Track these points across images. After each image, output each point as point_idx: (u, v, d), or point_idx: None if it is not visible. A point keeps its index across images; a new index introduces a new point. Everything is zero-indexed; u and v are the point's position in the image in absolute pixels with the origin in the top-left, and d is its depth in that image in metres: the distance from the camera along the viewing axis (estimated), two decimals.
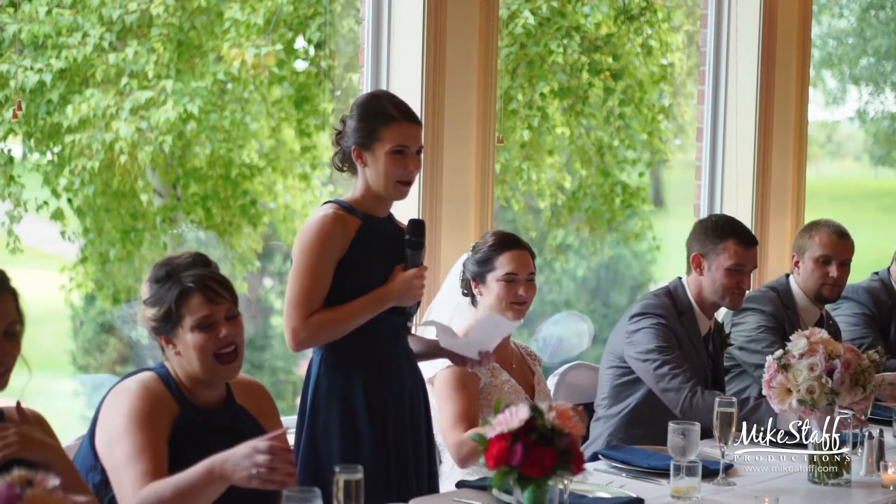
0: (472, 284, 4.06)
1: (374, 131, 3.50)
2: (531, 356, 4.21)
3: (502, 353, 4.03)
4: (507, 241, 4.04)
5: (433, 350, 3.76)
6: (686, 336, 4.29)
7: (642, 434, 4.18)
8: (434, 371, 3.90)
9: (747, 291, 4.43)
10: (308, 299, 3.44)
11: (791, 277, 4.88)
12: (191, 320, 2.92)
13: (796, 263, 4.86)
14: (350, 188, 3.64)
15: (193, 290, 2.93)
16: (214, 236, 8.92)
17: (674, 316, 4.29)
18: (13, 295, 2.59)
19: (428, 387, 3.89)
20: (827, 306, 4.98)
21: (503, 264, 4.00)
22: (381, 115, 3.51)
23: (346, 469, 2.64)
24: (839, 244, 4.82)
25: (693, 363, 4.23)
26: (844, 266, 4.83)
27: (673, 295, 4.34)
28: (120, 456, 2.81)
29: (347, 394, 3.51)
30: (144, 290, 2.98)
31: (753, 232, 5.97)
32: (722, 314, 4.79)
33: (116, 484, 2.81)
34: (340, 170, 3.63)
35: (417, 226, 3.58)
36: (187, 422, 2.93)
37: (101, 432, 2.90)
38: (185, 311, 2.92)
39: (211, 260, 3.04)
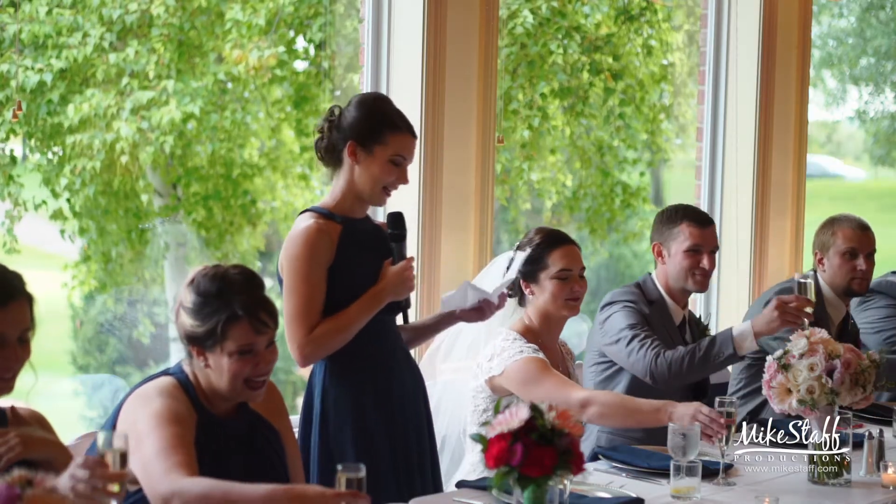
0: (523, 284, 4.00)
1: (380, 134, 3.48)
2: (569, 354, 4.18)
3: (551, 355, 3.98)
4: (556, 238, 4.00)
5: (439, 323, 3.77)
6: (660, 324, 4.28)
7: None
8: (498, 369, 3.86)
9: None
10: (307, 313, 3.41)
11: (818, 274, 4.88)
12: (232, 346, 2.87)
13: (820, 261, 4.87)
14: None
15: (242, 317, 2.87)
16: (199, 238, 8.92)
17: (644, 302, 4.30)
18: (29, 300, 2.59)
19: (479, 382, 3.87)
20: (859, 298, 5.00)
21: (556, 261, 3.95)
22: (388, 120, 3.50)
23: (349, 468, 2.64)
24: (863, 237, 4.84)
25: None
26: (870, 258, 4.85)
27: (642, 287, 4.37)
28: (149, 450, 2.77)
29: (357, 398, 3.51)
30: (185, 297, 2.90)
31: (753, 232, 5.99)
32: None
33: (147, 476, 2.76)
34: (321, 159, 3.58)
35: (397, 218, 3.58)
36: (204, 430, 2.91)
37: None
38: (230, 336, 2.87)
39: (261, 278, 2.97)
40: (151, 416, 2.81)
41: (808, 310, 3.95)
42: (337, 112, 3.56)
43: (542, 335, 3.99)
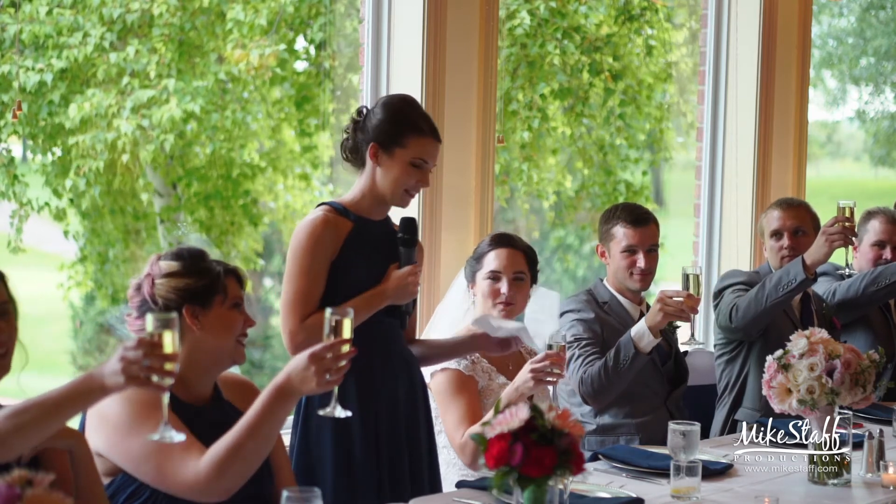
0: (469, 285, 4.06)
1: (402, 136, 3.49)
2: (531, 354, 4.17)
3: (500, 358, 4.00)
4: (498, 240, 4.03)
5: (443, 350, 3.76)
6: (616, 323, 4.31)
7: (627, 412, 4.25)
8: (428, 375, 3.88)
9: None
10: (303, 302, 3.43)
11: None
12: (231, 298, 2.97)
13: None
14: (349, 185, 3.63)
15: (234, 273, 3.00)
16: (207, 240, 8.93)
17: (593, 304, 4.34)
18: (1, 278, 2.62)
19: (429, 391, 3.88)
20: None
21: (490, 261, 4.00)
22: (412, 123, 3.51)
23: (337, 311, 2.71)
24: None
25: None
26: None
27: (593, 292, 4.40)
28: (141, 446, 2.77)
29: (341, 398, 3.49)
30: (162, 266, 2.96)
31: (753, 232, 5.98)
32: None
33: (155, 471, 2.77)
34: (346, 159, 3.61)
35: (409, 224, 3.57)
36: (180, 418, 2.90)
37: (99, 430, 2.85)
38: (229, 288, 2.97)
39: None
40: (132, 405, 2.79)
41: (693, 305, 4.00)
42: (364, 113, 3.57)
43: None
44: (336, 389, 2.78)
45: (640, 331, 4.09)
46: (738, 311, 4.51)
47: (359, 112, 3.58)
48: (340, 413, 2.80)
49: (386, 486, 3.51)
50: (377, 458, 3.51)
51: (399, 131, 3.49)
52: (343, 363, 2.69)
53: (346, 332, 2.71)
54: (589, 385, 4.14)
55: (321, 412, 2.84)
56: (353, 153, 3.57)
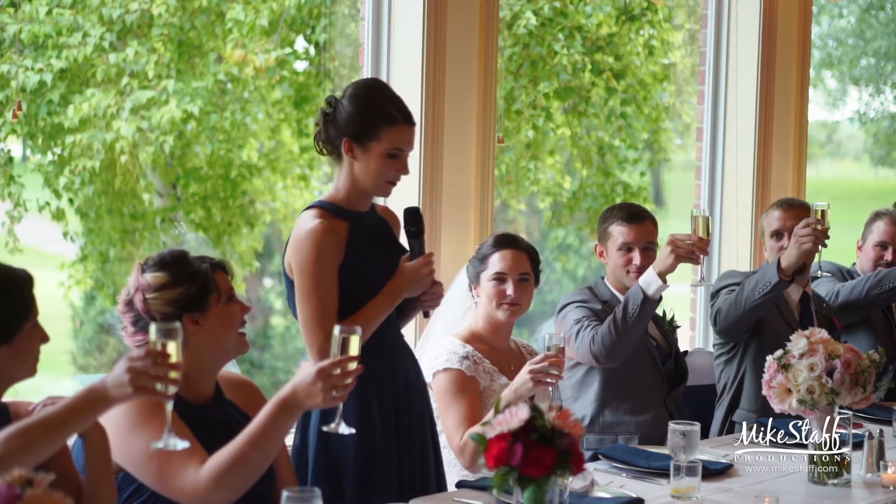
0: (471, 286, 4.05)
1: (373, 129, 3.41)
2: (532, 355, 4.17)
3: (500, 357, 4.00)
4: (502, 241, 4.02)
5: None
6: None
7: (627, 409, 4.25)
8: (430, 374, 3.89)
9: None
10: (323, 316, 3.36)
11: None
12: (225, 292, 2.96)
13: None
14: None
15: (219, 266, 2.98)
16: (206, 240, 8.93)
17: (594, 301, 4.34)
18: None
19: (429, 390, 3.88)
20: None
21: (494, 263, 3.99)
22: (381, 114, 3.42)
23: (345, 329, 2.72)
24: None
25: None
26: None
27: (594, 290, 4.40)
28: (143, 448, 2.78)
29: (363, 399, 3.45)
30: (148, 279, 2.92)
31: (753, 233, 5.98)
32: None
33: (155, 475, 2.77)
34: (321, 153, 3.51)
35: (414, 214, 3.54)
36: (183, 417, 2.90)
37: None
38: (220, 284, 2.95)
39: None
40: (131, 410, 2.79)
41: (703, 246, 4.02)
42: (334, 104, 3.47)
43: (489, 338, 4.01)
44: (341, 406, 2.77)
45: (649, 278, 4.07)
46: (720, 315, 4.51)
47: (328, 103, 3.47)
48: (344, 430, 2.80)
49: (405, 484, 3.48)
50: (398, 458, 3.50)
51: (371, 123, 3.41)
52: (349, 380, 2.69)
53: (354, 350, 2.70)
54: (600, 343, 4.11)
55: (325, 428, 2.84)
56: (326, 145, 3.48)
